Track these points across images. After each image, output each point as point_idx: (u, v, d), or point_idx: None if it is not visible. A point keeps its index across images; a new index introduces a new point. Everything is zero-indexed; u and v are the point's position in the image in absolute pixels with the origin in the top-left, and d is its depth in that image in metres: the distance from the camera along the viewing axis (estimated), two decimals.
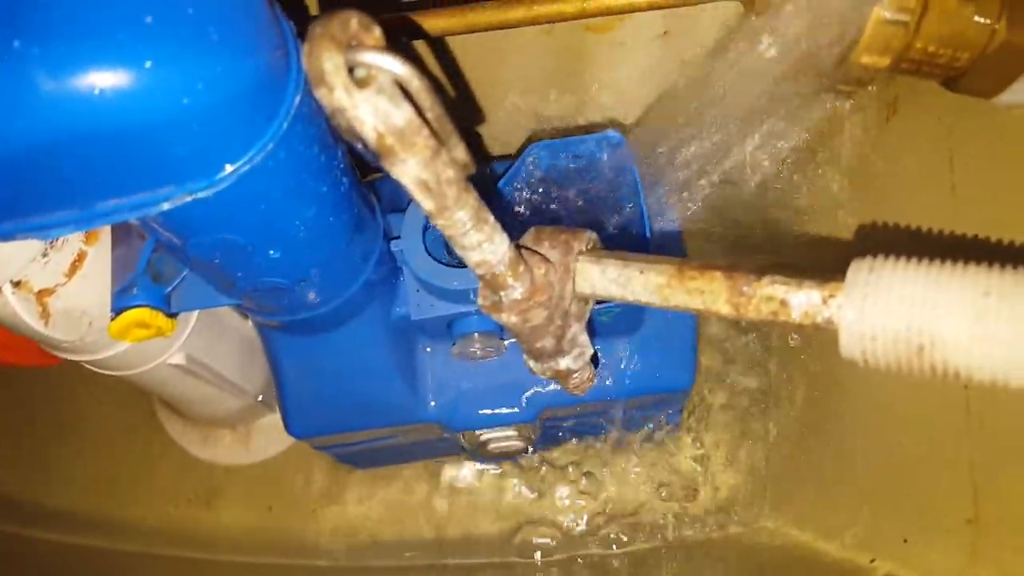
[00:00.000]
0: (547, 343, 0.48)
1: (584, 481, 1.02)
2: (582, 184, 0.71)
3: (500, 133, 0.92)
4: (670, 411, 0.91)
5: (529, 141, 0.87)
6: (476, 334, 0.68)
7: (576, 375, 0.52)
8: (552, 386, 0.75)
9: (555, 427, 0.90)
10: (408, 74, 0.33)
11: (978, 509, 0.59)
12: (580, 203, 0.71)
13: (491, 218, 0.41)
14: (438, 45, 0.75)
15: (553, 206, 0.71)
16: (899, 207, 0.72)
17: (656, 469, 1.02)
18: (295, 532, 1.06)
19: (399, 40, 0.69)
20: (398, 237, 0.65)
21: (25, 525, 1.06)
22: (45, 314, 0.68)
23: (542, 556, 1.00)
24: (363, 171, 0.59)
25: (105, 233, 0.69)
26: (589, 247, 0.47)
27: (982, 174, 0.61)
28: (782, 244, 0.92)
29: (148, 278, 0.62)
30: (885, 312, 0.37)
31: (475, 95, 0.84)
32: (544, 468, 1.03)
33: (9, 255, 0.63)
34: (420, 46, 0.74)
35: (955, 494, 0.61)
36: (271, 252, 0.50)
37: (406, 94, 0.34)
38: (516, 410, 0.76)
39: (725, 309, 0.41)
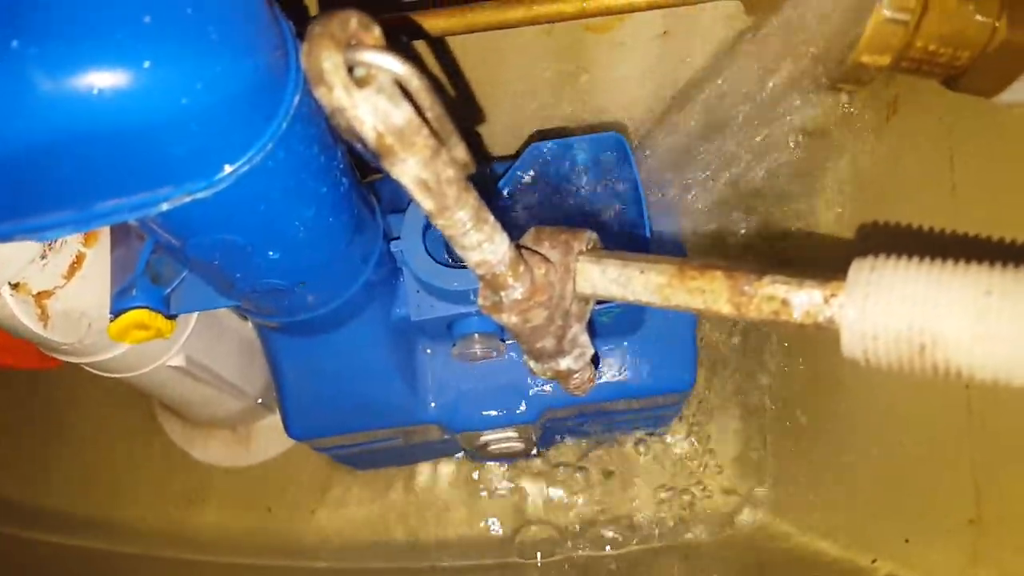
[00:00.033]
0: (548, 343, 0.48)
1: (584, 482, 1.02)
2: (582, 184, 0.71)
3: (500, 133, 0.91)
4: (670, 411, 0.91)
5: (529, 141, 0.87)
6: (476, 335, 0.68)
7: (577, 376, 0.52)
8: (552, 387, 0.74)
9: (555, 428, 0.90)
10: (408, 73, 0.33)
11: (980, 509, 0.59)
12: (580, 203, 0.71)
13: (491, 218, 0.41)
14: (438, 45, 0.75)
15: (553, 206, 0.71)
16: (899, 206, 0.72)
17: (655, 469, 1.02)
18: (295, 533, 1.06)
19: (399, 40, 0.69)
20: (398, 238, 0.64)
21: (25, 527, 1.06)
22: (44, 316, 0.68)
23: (543, 557, 1.00)
24: (363, 172, 0.59)
25: (104, 234, 0.69)
26: (589, 247, 0.47)
27: (983, 173, 0.61)
28: (783, 244, 0.92)
29: (147, 279, 0.62)
30: (887, 311, 0.36)
31: (475, 95, 0.84)
32: (544, 469, 1.03)
33: (7, 257, 0.63)
34: (420, 46, 0.74)
35: (957, 494, 0.61)
36: (270, 253, 0.50)
37: (406, 93, 0.34)
38: (516, 411, 0.76)
39: (726, 309, 0.41)
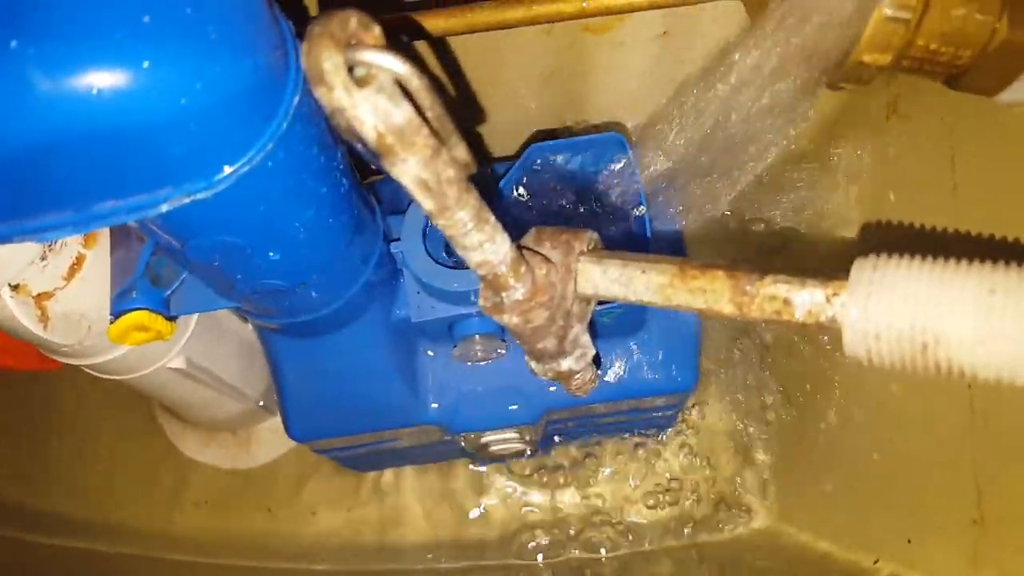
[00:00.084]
0: (549, 344, 0.48)
1: (585, 483, 1.02)
2: (583, 185, 0.71)
3: (500, 134, 0.91)
4: (672, 412, 0.90)
5: (529, 142, 0.87)
6: (477, 336, 0.68)
7: (578, 376, 0.52)
8: (553, 388, 0.74)
9: (556, 429, 0.90)
10: (408, 73, 0.33)
11: (982, 509, 0.58)
12: (581, 204, 0.71)
13: (492, 218, 0.41)
14: (438, 45, 0.75)
15: (554, 207, 0.71)
16: (901, 206, 0.71)
17: (655, 471, 1.02)
18: (296, 535, 1.05)
19: (399, 40, 0.69)
20: (398, 239, 0.64)
21: (25, 530, 1.06)
22: (44, 318, 0.68)
23: (544, 558, 1.00)
24: (363, 173, 0.59)
25: (104, 236, 0.69)
26: (590, 247, 0.47)
27: (984, 172, 0.61)
28: (784, 244, 0.91)
29: (147, 281, 0.62)
30: (889, 310, 0.36)
31: (475, 95, 0.84)
32: (545, 470, 1.03)
33: (7, 258, 0.63)
34: (420, 46, 0.74)
35: (959, 494, 0.61)
36: (271, 254, 0.50)
37: (406, 93, 0.34)
38: (517, 412, 0.76)
39: (728, 309, 0.41)
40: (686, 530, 0.99)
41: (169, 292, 0.62)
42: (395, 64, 0.33)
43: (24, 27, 0.32)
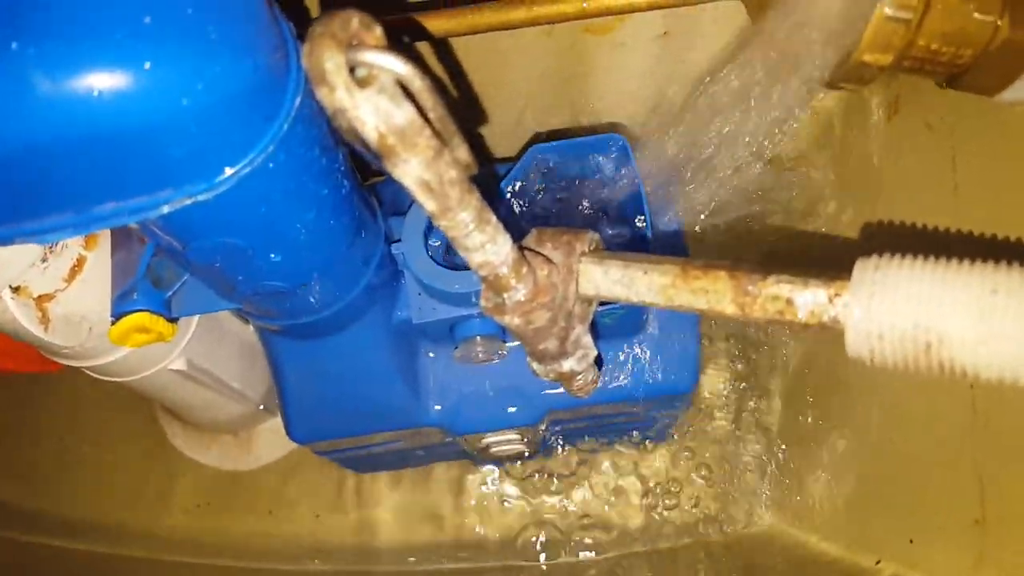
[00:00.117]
0: (551, 345, 0.48)
1: (586, 484, 1.02)
2: (584, 186, 0.71)
3: (501, 135, 0.91)
4: (673, 412, 0.90)
5: (530, 143, 0.87)
6: (478, 337, 0.68)
7: (580, 377, 0.52)
8: (555, 389, 0.74)
9: (557, 431, 0.90)
10: (410, 73, 0.33)
11: (985, 509, 0.58)
12: (582, 205, 0.71)
13: (494, 219, 0.41)
14: (440, 46, 0.75)
15: (555, 208, 0.71)
16: (902, 206, 0.71)
17: (656, 471, 1.02)
18: (297, 537, 1.05)
19: (401, 41, 0.69)
20: (399, 240, 0.64)
21: (26, 531, 1.06)
22: (45, 320, 0.67)
23: (546, 559, 1.00)
24: (364, 174, 0.59)
25: (105, 238, 0.69)
26: (592, 248, 0.47)
27: (985, 172, 0.61)
28: (785, 244, 0.91)
29: (148, 283, 0.62)
30: (892, 310, 0.36)
31: (476, 96, 0.84)
32: (545, 471, 1.03)
33: (8, 260, 0.63)
34: (422, 47, 0.74)
35: (961, 494, 0.60)
36: (272, 255, 0.49)
37: (408, 94, 0.34)
38: (519, 413, 0.75)
39: (730, 309, 0.41)
40: (687, 531, 0.99)
41: (170, 293, 0.62)
42: (397, 65, 0.33)
43: (25, 28, 0.32)
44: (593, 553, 1.00)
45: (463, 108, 0.84)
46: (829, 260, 0.82)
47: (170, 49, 0.34)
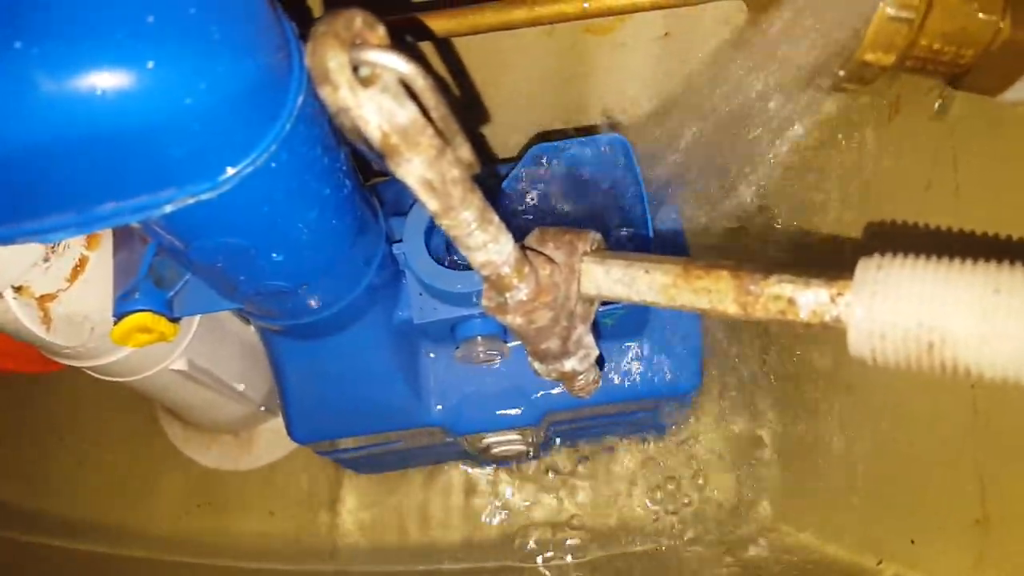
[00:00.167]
0: (552, 344, 0.48)
1: (586, 484, 1.02)
2: (585, 185, 0.71)
3: (502, 135, 0.91)
4: (675, 413, 0.90)
5: (532, 143, 0.87)
6: (479, 337, 0.68)
7: (581, 377, 0.52)
8: (556, 389, 0.74)
9: (558, 431, 0.90)
10: (413, 73, 0.33)
11: (986, 509, 0.58)
12: (583, 204, 0.71)
13: (496, 218, 0.41)
14: (441, 46, 0.75)
15: (556, 207, 0.71)
16: (903, 206, 0.71)
17: (657, 471, 1.02)
18: (298, 537, 1.05)
19: (403, 40, 0.69)
20: (400, 240, 0.64)
21: (27, 531, 1.06)
22: (47, 319, 0.67)
23: (544, 561, 1.00)
24: (366, 174, 0.59)
25: (107, 238, 0.69)
26: (594, 248, 0.47)
27: (986, 172, 0.61)
28: (786, 244, 0.91)
29: (150, 282, 0.62)
30: (894, 310, 0.36)
31: (478, 96, 0.84)
32: (547, 472, 1.03)
33: (10, 260, 0.63)
34: (423, 47, 0.74)
35: (962, 494, 0.60)
36: (274, 255, 0.50)
37: (411, 93, 0.34)
38: (520, 414, 0.75)
39: (732, 309, 0.41)
40: (687, 532, 0.99)
41: (172, 293, 0.62)
42: (400, 64, 0.33)
43: (28, 27, 0.32)
44: (593, 553, 1.00)
45: (464, 108, 0.84)
46: (831, 260, 0.82)
47: (173, 48, 0.34)
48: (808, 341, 0.92)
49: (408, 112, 0.33)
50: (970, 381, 0.36)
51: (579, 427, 0.90)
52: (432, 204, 0.37)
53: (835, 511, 0.84)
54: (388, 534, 1.05)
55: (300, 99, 0.41)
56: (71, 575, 1.03)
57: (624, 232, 0.69)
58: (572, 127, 0.91)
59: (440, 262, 0.64)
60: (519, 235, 0.45)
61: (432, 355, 0.74)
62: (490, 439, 0.80)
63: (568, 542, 1.01)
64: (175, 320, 0.62)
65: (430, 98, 0.34)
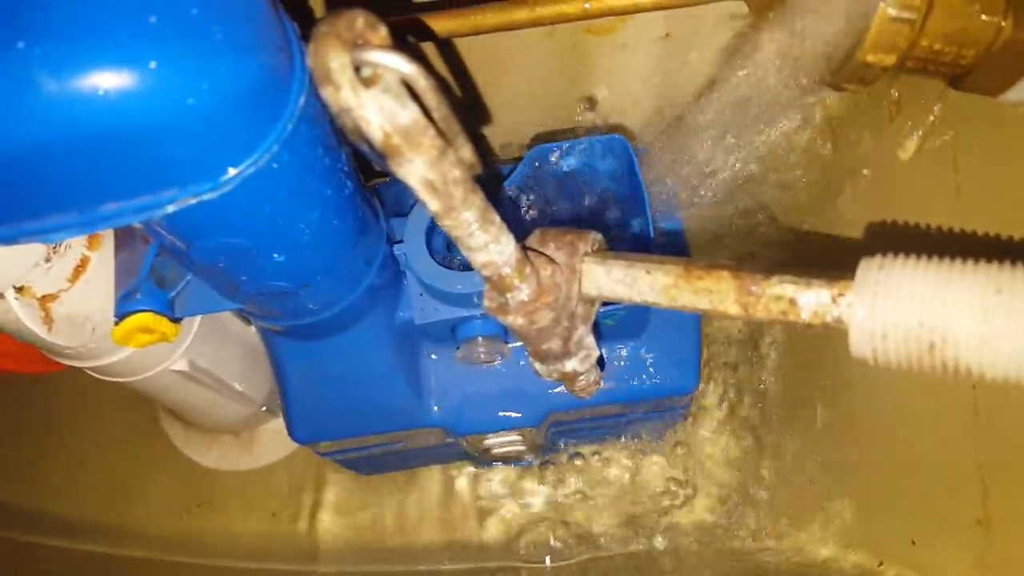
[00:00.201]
0: (553, 345, 0.48)
1: (586, 484, 1.02)
2: (586, 186, 0.71)
3: (503, 135, 0.92)
4: (675, 414, 0.90)
5: (533, 143, 0.87)
6: (480, 338, 0.68)
7: (582, 378, 0.52)
8: (556, 390, 0.74)
9: (559, 432, 0.90)
10: (414, 73, 0.33)
11: (987, 509, 0.58)
12: (584, 205, 0.71)
13: (497, 219, 0.41)
14: (443, 47, 0.75)
15: (557, 208, 0.71)
16: (904, 207, 0.71)
17: (658, 472, 1.02)
18: (299, 538, 1.05)
19: (405, 40, 0.69)
20: (401, 241, 0.64)
21: (26, 531, 1.06)
22: (48, 320, 0.67)
23: (546, 560, 1.00)
24: (367, 175, 0.59)
25: (108, 238, 0.69)
26: (595, 248, 0.47)
27: (987, 173, 0.61)
28: (787, 244, 0.91)
29: (152, 283, 0.62)
30: (896, 310, 0.36)
31: (479, 97, 0.84)
32: (547, 472, 1.02)
33: (11, 260, 0.63)
34: (425, 47, 0.74)
35: (964, 495, 0.60)
36: (275, 255, 0.50)
37: (412, 93, 0.34)
38: (521, 414, 0.76)
39: (733, 309, 0.41)
40: (687, 532, 0.99)
41: (174, 294, 0.62)
42: (402, 64, 0.33)
43: (30, 27, 0.32)
44: (593, 553, 1.00)
45: (466, 108, 0.84)
46: (832, 260, 0.82)
47: (175, 49, 0.34)
48: (808, 341, 0.92)
49: (410, 112, 0.33)
50: (971, 381, 0.36)
51: (580, 428, 0.90)
52: (433, 204, 0.37)
53: (836, 512, 0.84)
54: (388, 534, 1.05)
55: (302, 100, 0.41)
56: (71, 575, 1.03)
57: (625, 232, 0.69)
58: (573, 127, 0.91)
59: (440, 263, 0.64)
60: (520, 236, 0.45)
61: (433, 356, 0.74)
62: (491, 440, 0.80)
63: (568, 541, 1.01)
64: (176, 320, 0.62)
65: (432, 98, 0.34)
